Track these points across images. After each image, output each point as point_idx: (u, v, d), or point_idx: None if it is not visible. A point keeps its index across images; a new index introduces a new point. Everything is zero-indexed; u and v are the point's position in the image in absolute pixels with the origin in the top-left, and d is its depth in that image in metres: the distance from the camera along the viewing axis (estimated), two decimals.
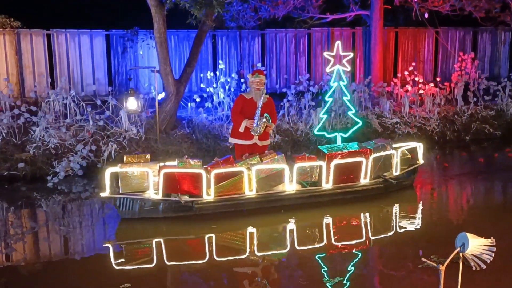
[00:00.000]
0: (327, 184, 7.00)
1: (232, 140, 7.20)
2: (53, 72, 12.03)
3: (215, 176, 6.47)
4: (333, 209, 6.85)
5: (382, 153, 7.33)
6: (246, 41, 13.39)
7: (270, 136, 7.45)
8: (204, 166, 6.58)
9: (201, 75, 12.52)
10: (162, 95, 10.28)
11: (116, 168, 6.40)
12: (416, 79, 12.23)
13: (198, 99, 10.93)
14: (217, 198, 6.51)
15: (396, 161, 7.50)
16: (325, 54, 7.93)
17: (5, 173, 8.36)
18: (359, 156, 7.15)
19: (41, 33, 11.92)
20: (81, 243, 6.09)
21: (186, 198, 6.44)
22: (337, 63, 7.71)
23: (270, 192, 6.79)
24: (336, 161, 6.99)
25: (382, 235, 6.13)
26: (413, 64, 13.08)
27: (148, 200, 6.38)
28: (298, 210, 6.77)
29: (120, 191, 6.38)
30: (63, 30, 12.08)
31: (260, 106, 6.91)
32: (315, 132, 8.33)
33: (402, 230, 6.37)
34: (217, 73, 11.43)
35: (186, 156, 6.93)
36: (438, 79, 12.82)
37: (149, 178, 6.35)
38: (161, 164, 6.64)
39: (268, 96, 7.26)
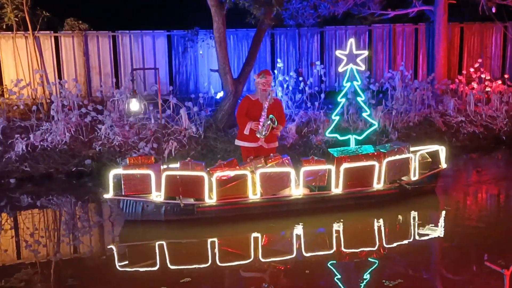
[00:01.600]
0: (337, 189, 6.72)
1: (237, 143, 7.03)
2: (118, 72, 12.48)
3: (218, 179, 6.33)
4: (344, 214, 6.54)
5: (397, 157, 6.96)
6: (305, 39, 13.30)
7: (278, 138, 7.15)
8: (207, 169, 6.50)
9: None
10: (221, 94, 10.41)
11: (119, 170, 6.42)
12: (483, 76, 11.68)
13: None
14: (219, 201, 6.37)
15: (414, 165, 7.12)
16: (337, 52, 7.55)
17: (73, 169, 8.76)
18: (371, 159, 6.81)
19: (107, 35, 12.40)
20: (136, 237, 6.25)
21: (191, 201, 6.37)
22: (351, 62, 7.31)
23: (275, 197, 6.55)
24: (346, 165, 6.68)
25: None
26: (479, 60, 12.51)
27: (151, 203, 6.35)
28: (310, 215, 6.53)
29: (123, 193, 6.35)
30: (127, 31, 12.50)
31: (266, 107, 6.73)
32: (326, 134, 7.97)
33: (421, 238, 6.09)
34: (275, 71, 11.43)
35: (189, 158, 6.87)
36: (506, 76, 12.18)
37: (151, 181, 6.27)
38: (164, 166, 6.60)
39: (275, 97, 7.10)
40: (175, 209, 6.33)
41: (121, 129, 9.45)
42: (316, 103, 10.80)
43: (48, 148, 8.95)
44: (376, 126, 7.84)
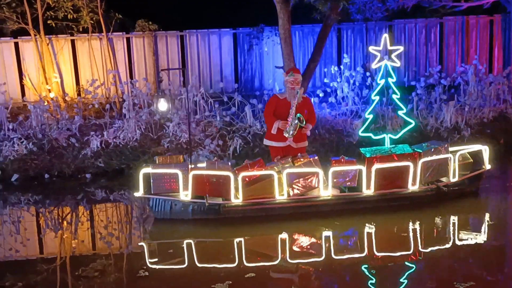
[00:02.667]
0: (368, 190, 6.47)
1: (266, 142, 6.92)
2: (185, 71, 12.78)
3: (243, 179, 6.27)
4: (376, 217, 6.26)
5: (434, 157, 6.59)
6: (372, 33, 13.01)
7: (308, 137, 6.95)
8: (234, 169, 6.44)
9: (325, 69, 12.43)
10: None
11: (149, 169, 6.48)
12: None
13: (321, 94, 10.86)
14: (245, 201, 6.30)
15: (453, 166, 6.71)
16: (371, 48, 7.24)
17: (143, 165, 9.06)
18: (405, 160, 6.50)
19: (175, 35, 12.74)
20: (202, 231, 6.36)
21: (219, 200, 6.35)
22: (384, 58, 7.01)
23: (303, 197, 6.40)
24: (378, 165, 6.41)
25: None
26: None
27: (179, 202, 6.40)
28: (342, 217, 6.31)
29: (152, 192, 6.43)
30: (195, 30, 12.79)
31: (294, 106, 6.55)
32: (359, 133, 7.63)
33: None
34: (342, 67, 11.25)
35: (215, 158, 6.79)
36: None
37: (179, 180, 6.33)
38: (192, 165, 6.60)
39: (305, 96, 6.91)
40: (202, 208, 6.36)
41: (188, 127, 9.66)
42: (384, 99, 10.52)
43: (120, 145, 9.33)
44: (413, 124, 7.48)
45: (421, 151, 6.63)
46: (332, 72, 11.47)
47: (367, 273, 4.98)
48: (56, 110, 10.60)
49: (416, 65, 13.11)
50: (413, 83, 11.04)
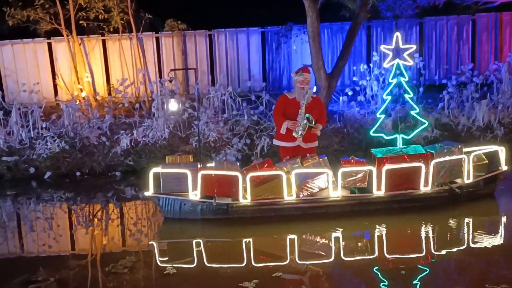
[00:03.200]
0: (379, 191, 6.34)
1: (275, 142, 6.88)
2: (213, 70, 12.86)
3: (251, 179, 6.24)
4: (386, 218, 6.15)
5: (447, 158, 6.42)
6: (403, 30, 12.80)
7: (318, 138, 6.83)
8: (242, 169, 6.41)
9: (354, 68, 12.30)
10: (313, 89, 10.33)
11: (158, 169, 6.51)
12: None
13: (350, 93, 10.76)
14: (254, 202, 6.27)
15: (468, 167, 6.52)
16: (382, 47, 7.08)
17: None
18: (416, 160, 6.34)
19: (203, 34, 12.82)
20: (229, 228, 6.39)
21: (229, 200, 6.33)
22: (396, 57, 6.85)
23: (312, 198, 6.32)
24: (388, 166, 6.29)
25: None
26: None
27: (188, 201, 6.41)
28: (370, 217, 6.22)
29: (162, 191, 6.47)
30: (223, 29, 12.84)
31: (304, 106, 6.46)
32: (371, 133, 7.48)
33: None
34: (371, 65, 11.13)
35: (224, 158, 6.74)
36: None
37: (188, 180, 6.36)
38: (200, 165, 6.60)
39: (315, 95, 6.80)
40: (210, 208, 6.37)
41: (216, 125, 9.73)
42: (414, 98, 10.35)
43: (149, 144, 9.45)
44: (427, 124, 7.32)
45: (433, 151, 6.50)
46: (361, 70, 11.34)
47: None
48: (87, 109, 10.81)
49: (448, 63, 12.86)
50: (444, 81, 10.82)
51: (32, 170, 9.06)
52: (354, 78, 12.05)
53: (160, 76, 12.60)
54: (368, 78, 10.94)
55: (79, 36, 12.25)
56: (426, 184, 6.41)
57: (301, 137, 6.55)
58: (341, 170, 6.37)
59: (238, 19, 13.61)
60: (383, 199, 6.37)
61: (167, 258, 5.56)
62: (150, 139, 9.53)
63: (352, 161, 6.48)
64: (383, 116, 7.34)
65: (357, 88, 11.10)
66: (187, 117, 9.98)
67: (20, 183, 8.80)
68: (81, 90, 12.10)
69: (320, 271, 5.07)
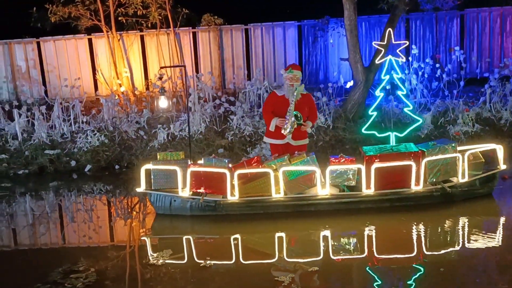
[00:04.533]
0: (368, 190, 6.19)
1: (265, 140, 6.86)
2: (249, 65, 12.88)
3: (239, 177, 6.24)
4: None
5: (440, 156, 6.20)
6: (443, 23, 12.49)
7: (308, 135, 6.71)
8: (230, 166, 6.37)
9: None
10: (350, 84, 10.23)
11: (149, 165, 6.57)
12: None
13: (388, 87, 10.55)
14: (241, 199, 6.26)
15: (462, 165, 6.26)
16: (374, 43, 6.94)
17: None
18: (406, 159, 6.16)
19: (240, 28, 12.85)
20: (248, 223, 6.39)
21: (217, 197, 6.33)
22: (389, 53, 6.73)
23: (300, 196, 6.25)
24: (377, 165, 6.11)
25: None
26: None
27: (178, 198, 6.44)
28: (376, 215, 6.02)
29: (152, 188, 6.54)
30: (259, 24, 12.83)
31: (293, 103, 6.36)
32: (363, 131, 7.31)
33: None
34: (410, 58, 10.90)
35: (213, 154, 6.73)
36: None
37: (178, 176, 6.41)
38: (190, 162, 6.61)
39: (306, 92, 6.66)
40: (199, 205, 6.41)
41: (251, 120, 9.75)
42: (455, 92, 10.11)
43: (186, 138, 9.56)
44: (421, 122, 7.14)
45: (425, 149, 6.33)
46: (400, 63, 11.10)
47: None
48: (126, 104, 11.02)
49: (490, 56, 12.47)
50: (486, 74, 10.51)
51: (73, 163, 9.32)
52: (393, 72, 11.81)
53: (197, 71, 12.71)
54: (407, 71, 10.73)
55: (118, 32, 12.49)
56: (417, 183, 6.26)
57: (290, 135, 6.52)
58: (329, 168, 6.31)
59: (274, 13, 13.59)
60: (373, 197, 6.28)
61: (206, 251, 5.60)
62: (186, 133, 9.65)
63: (340, 159, 6.41)
64: (375, 113, 7.28)
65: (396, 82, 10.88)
66: (223, 111, 10.03)
67: (62, 175, 9.08)
68: (120, 85, 12.35)
69: (308, 268, 4.97)
